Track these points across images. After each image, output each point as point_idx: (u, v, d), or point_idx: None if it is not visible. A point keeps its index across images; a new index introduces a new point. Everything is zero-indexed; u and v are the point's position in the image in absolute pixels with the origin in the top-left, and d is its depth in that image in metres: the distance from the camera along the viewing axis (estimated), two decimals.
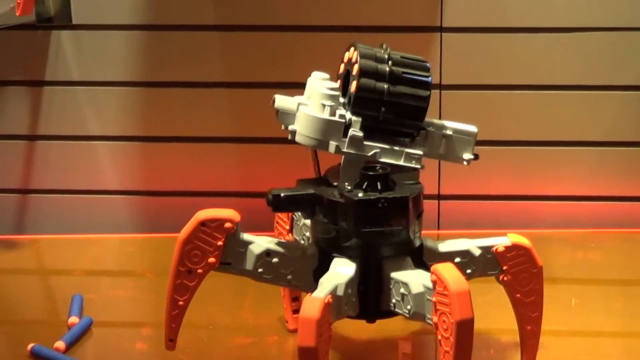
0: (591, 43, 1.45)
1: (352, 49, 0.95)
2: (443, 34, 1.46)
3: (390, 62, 0.94)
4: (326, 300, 0.85)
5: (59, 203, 1.56)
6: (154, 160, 1.54)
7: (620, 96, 1.47)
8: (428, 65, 0.96)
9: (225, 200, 1.52)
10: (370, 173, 0.92)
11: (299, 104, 0.93)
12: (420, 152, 0.95)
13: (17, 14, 1.23)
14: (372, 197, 0.90)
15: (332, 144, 0.92)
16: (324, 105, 0.92)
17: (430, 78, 0.95)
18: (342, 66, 0.97)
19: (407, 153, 0.94)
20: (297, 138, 0.92)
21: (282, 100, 0.93)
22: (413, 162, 0.95)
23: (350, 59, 0.95)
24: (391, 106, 0.93)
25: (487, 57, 1.47)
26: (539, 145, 1.50)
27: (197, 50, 1.49)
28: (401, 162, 0.94)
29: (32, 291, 1.37)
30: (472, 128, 0.97)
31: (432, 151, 0.96)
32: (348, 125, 0.92)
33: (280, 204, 0.92)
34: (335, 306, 0.88)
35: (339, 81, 0.97)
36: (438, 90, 1.48)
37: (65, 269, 1.42)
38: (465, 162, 0.97)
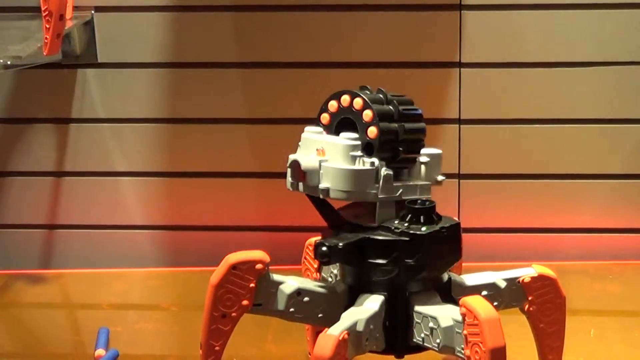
0: (608, 77, 1.47)
1: (345, 96, 0.95)
2: (462, 69, 1.48)
3: (392, 102, 0.95)
4: (340, 337, 0.86)
5: (85, 238, 1.58)
6: (178, 196, 1.56)
7: (636, 129, 1.49)
8: (411, 98, 0.98)
9: (248, 234, 1.54)
10: (420, 207, 0.93)
11: (320, 162, 0.92)
12: (429, 182, 0.97)
13: (44, 54, 1.25)
14: (437, 229, 0.91)
15: (370, 192, 0.92)
16: (353, 157, 0.92)
17: (420, 110, 0.97)
18: (327, 116, 0.96)
19: (420, 186, 0.96)
20: (333, 194, 0.91)
21: (306, 161, 0.92)
22: (425, 193, 0.96)
23: (346, 107, 0.95)
24: (405, 143, 0.95)
25: (506, 91, 1.48)
26: (558, 178, 1.51)
27: (220, 87, 1.51)
28: (418, 196, 0.95)
29: (59, 325, 1.38)
30: (439, 151, 0.99)
31: (417, 178, 0.98)
32: (377, 171, 0.93)
33: (338, 254, 0.91)
34: (354, 342, 0.88)
35: (322, 130, 0.96)
36: (457, 125, 1.50)
37: (92, 303, 1.44)
38: (438, 184, 0.99)
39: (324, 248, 0.90)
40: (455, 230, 0.93)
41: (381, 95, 0.95)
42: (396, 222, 0.93)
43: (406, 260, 0.91)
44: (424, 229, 0.91)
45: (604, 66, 1.47)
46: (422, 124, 0.97)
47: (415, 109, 0.97)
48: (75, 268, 1.55)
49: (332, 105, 0.95)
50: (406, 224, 0.92)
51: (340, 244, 0.90)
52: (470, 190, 1.52)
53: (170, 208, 1.56)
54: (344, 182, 0.91)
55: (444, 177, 0.99)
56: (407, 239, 0.91)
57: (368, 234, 0.92)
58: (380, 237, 0.92)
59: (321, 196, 0.92)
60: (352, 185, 0.91)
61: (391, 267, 0.92)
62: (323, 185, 0.92)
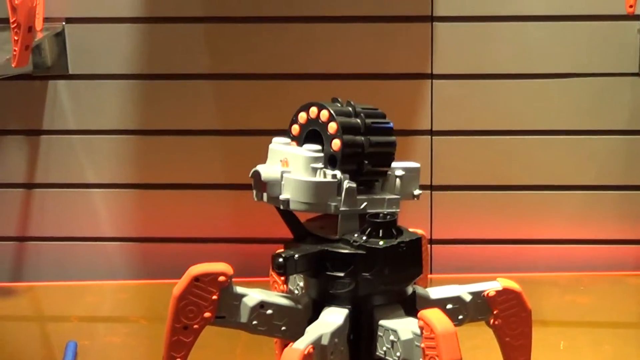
0: (578, 89, 1.47)
1: (313, 108, 0.95)
2: (434, 80, 1.48)
3: (359, 115, 0.95)
4: (306, 352, 0.85)
5: (55, 250, 1.57)
6: (149, 208, 1.56)
7: (607, 140, 1.49)
8: (383, 112, 0.98)
9: (220, 246, 1.54)
10: (379, 220, 0.92)
11: (282, 173, 0.92)
12: (398, 196, 0.96)
13: (13, 65, 1.24)
14: (394, 243, 0.91)
15: (331, 205, 0.92)
16: (314, 169, 0.92)
17: (391, 123, 0.97)
18: (297, 127, 0.97)
19: (388, 199, 0.96)
20: (293, 206, 0.91)
21: (266, 172, 0.91)
22: (394, 207, 0.96)
23: (313, 119, 0.95)
24: (371, 157, 0.95)
25: (478, 103, 1.49)
26: (529, 189, 1.52)
27: (191, 99, 1.51)
28: (384, 209, 0.95)
29: (28, 338, 1.38)
30: (417, 165, 0.99)
31: (391, 192, 0.98)
32: (339, 184, 0.92)
33: (293, 266, 0.90)
34: (319, 356, 0.88)
35: (293, 142, 0.97)
36: (429, 136, 1.50)
37: (61, 316, 1.44)
38: (415, 198, 0.99)
39: (280, 259, 0.89)
40: (414, 245, 0.93)
41: (350, 108, 0.95)
42: (355, 235, 0.93)
43: (363, 274, 0.91)
44: (381, 243, 0.91)
45: (575, 77, 1.47)
46: (391, 138, 0.97)
47: (386, 122, 0.97)
48: (45, 281, 1.55)
49: (302, 116, 0.95)
50: (364, 238, 0.92)
51: (296, 255, 0.90)
52: (442, 202, 1.52)
53: (141, 220, 1.56)
54: (304, 193, 0.91)
55: (420, 191, 0.98)
56: (363, 252, 0.91)
57: (327, 246, 0.92)
58: (338, 250, 0.92)
59: (281, 207, 0.92)
60: (313, 197, 0.91)
61: (349, 280, 0.91)
62: (283, 196, 0.91)
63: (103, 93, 1.52)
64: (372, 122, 0.95)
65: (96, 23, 1.49)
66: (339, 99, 0.96)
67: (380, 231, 0.92)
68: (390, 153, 0.97)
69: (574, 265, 1.52)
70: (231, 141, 1.52)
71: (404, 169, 0.98)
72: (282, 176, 0.91)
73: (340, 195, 0.92)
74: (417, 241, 0.92)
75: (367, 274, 0.91)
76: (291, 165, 0.92)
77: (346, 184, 0.92)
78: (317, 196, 0.91)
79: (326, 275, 0.92)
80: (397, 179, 0.97)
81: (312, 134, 0.95)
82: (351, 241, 0.92)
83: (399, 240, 0.91)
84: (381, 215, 0.93)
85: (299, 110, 0.96)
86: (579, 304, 1.40)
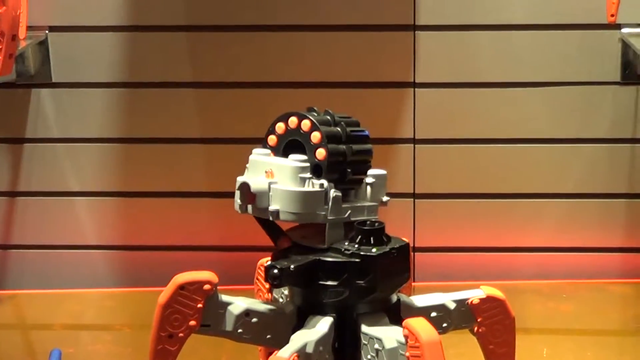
0: (560, 97, 1.48)
1: (292, 118, 0.95)
2: (416, 89, 1.49)
3: (339, 124, 0.95)
4: (291, 359, 0.86)
5: (39, 258, 1.57)
6: (133, 215, 1.55)
7: (590, 149, 1.50)
8: (357, 120, 0.98)
9: (203, 254, 1.54)
10: (371, 228, 0.93)
11: (269, 184, 0.92)
12: (376, 203, 0.97)
13: None
14: (387, 250, 0.91)
15: (320, 214, 0.92)
16: (303, 179, 0.92)
17: (367, 131, 0.97)
18: (274, 138, 0.97)
19: (368, 207, 0.96)
20: (283, 216, 0.91)
21: (256, 183, 0.91)
22: (373, 214, 0.96)
23: (293, 129, 0.95)
24: (353, 165, 0.95)
25: (460, 111, 1.49)
26: (512, 197, 1.52)
27: (174, 107, 1.51)
28: (366, 216, 0.95)
29: (12, 346, 1.37)
30: (384, 172, 0.99)
31: (363, 199, 0.98)
32: (326, 193, 0.93)
33: (289, 277, 0.90)
34: None
35: (270, 152, 0.96)
36: (412, 145, 1.50)
37: (45, 324, 1.43)
38: (384, 205, 0.99)
39: (275, 271, 0.89)
40: (404, 251, 0.93)
41: (328, 117, 0.95)
42: (346, 243, 0.93)
43: (357, 282, 0.91)
44: (374, 250, 0.91)
45: (556, 86, 1.48)
46: (368, 145, 0.97)
47: (362, 130, 0.97)
48: (28, 289, 1.54)
49: (280, 127, 0.95)
50: (356, 246, 0.92)
51: (292, 267, 0.90)
52: (425, 210, 1.53)
53: (125, 228, 1.56)
54: (294, 204, 0.91)
55: (388, 198, 0.99)
56: (357, 260, 0.91)
57: (318, 256, 0.92)
58: (331, 259, 0.92)
59: (271, 218, 0.92)
60: (302, 207, 0.91)
61: (342, 289, 0.91)
62: (273, 207, 0.91)
63: (86, 101, 1.51)
64: (351, 131, 0.96)
65: (79, 31, 1.49)
66: (315, 108, 0.96)
67: (372, 238, 0.92)
68: (367, 161, 0.97)
69: (556, 273, 1.53)
70: (214, 149, 1.52)
71: (373, 176, 0.98)
72: (269, 187, 0.92)
73: (328, 204, 0.92)
74: (406, 247, 0.93)
75: (361, 282, 0.91)
76: (277, 176, 0.92)
77: (333, 192, 0.92)
78: (306, 206, 0.91)
79: (318, 284, 0.92)
80: (368, 187, 0.98)
81: (290, 144, 0.95)
82: (342, 250, 0.92)
83: (390, 246, 0.92)
84: (368, 222, 0.93)
85: (275, 120, 0.96)
86: (562, 311, 1.40)
